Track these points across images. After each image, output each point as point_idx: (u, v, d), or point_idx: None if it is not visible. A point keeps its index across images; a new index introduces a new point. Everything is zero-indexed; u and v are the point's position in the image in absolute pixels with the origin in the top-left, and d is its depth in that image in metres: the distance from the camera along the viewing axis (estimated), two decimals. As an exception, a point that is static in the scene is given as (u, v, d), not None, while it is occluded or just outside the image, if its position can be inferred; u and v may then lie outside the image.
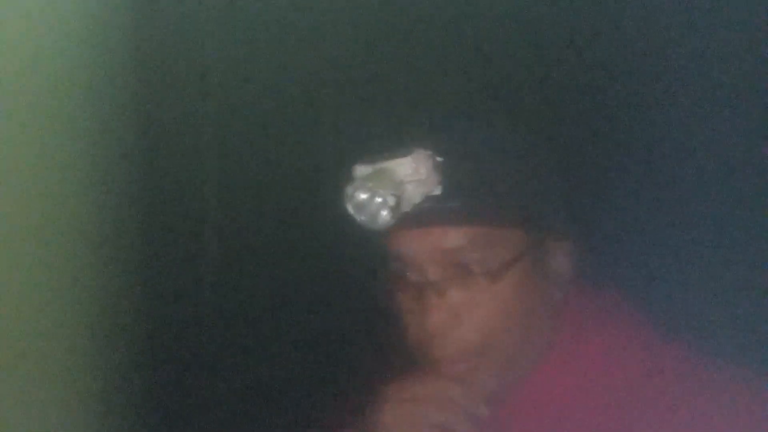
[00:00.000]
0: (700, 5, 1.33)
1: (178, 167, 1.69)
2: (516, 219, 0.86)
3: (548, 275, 0.89)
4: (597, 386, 0.85)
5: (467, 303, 0.85)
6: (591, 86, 1.49)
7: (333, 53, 1.56)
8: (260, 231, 1.77)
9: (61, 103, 1.13)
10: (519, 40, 1.49)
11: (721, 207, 1.34)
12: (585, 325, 0.90)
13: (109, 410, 1.22)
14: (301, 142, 1.60)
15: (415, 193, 0.83)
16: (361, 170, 0.84)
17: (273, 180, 1.71)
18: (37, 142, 1.09)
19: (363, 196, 0.82)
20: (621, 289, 0.94)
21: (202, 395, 1.76)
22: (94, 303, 1.20)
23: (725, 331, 1.16)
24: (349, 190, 0.84)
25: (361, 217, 0.84)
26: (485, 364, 0.86)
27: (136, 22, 1.37)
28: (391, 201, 0.82)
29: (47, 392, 1.09)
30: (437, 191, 0.83)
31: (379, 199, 0.82)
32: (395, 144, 0.84)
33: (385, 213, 0.82)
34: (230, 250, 1.80)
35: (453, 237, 0.84)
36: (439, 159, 0.83)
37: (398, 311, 0.88)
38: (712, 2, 1.31)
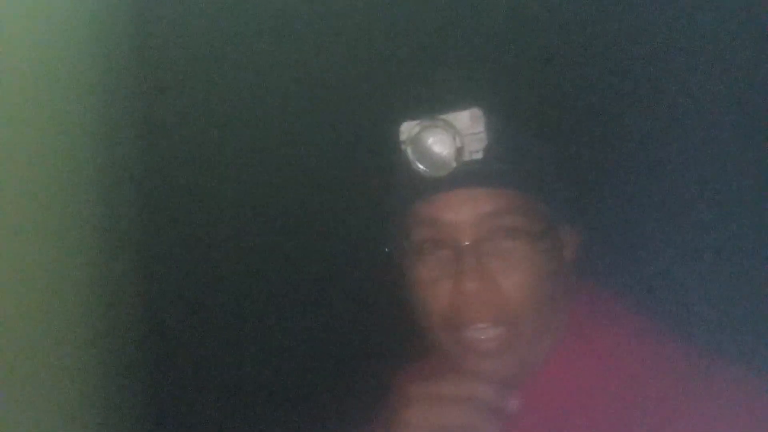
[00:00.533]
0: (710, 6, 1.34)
1: (196, 147, 1.68)
2: (546, 192, 0.88)
3: (561, 257, 0.90)
4: (600, 385, 0.85)
5: (504, 267, 0.85)
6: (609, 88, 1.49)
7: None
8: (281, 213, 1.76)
9: (63, 103, 1.13)
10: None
11: (723, 207, 1.34)
12: (589, 325, 0.90)
13: (109, 411, 1.22)
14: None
15: (472, 146, 0.84)
16: (421, 121, 0.85)
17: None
18: (39, 142, 1.09)
19: (427, 141, 0.84)
20: (625, 290, 0.94)
21: (210, 394, 1.75)
22: (96, 303, 1.20)
23: (727, 331, 1.16)
24: (410, 137, 0.85)
25: (421, 165, 0.85)
26: (514, 336, 0.86)
27: (140, 21, 1.37)
28: (453, 147, 0.83)
29: (47, 392, 1.09)
30: (489, 148, 0.84)
31: (442, 145, 0.84)
32: (452, 100, 0.85)
33: (447, 157, 0.84)
34: (247, 229, 1.79)
35: (497, 199, 0.85)
36: (490, 119, 0.84)
37: (429, 282, 0.87)
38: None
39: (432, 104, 0.86)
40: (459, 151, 0.83)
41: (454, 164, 0.84)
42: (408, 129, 0.85)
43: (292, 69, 1.61)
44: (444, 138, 0.83)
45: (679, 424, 0.79)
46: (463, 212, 0.85)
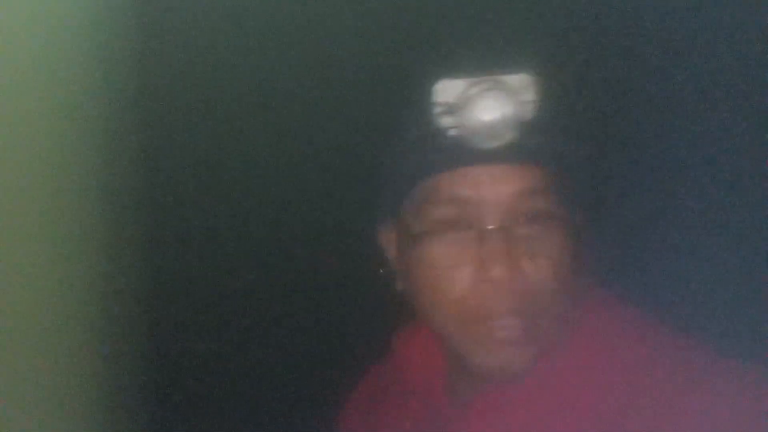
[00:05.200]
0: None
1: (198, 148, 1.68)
2: (575, 172, 0.81)
3: (578, 245, 0.82)
4: (600, 378, 0.81)
5: (530, 254, 0.77)
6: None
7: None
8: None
9: (63, 103, 1.12)
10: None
11: (725, 204, 1.33)
12: (593, 319, 0.85)
13: (110, 411, 1.21)
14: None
15: (524, 112, 0.75)
16: (471, 80, 0.74)
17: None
18: (39, 142, 1.08)
19: (478, 104, 0.73)
20: (627, 286, 0.92)
21: (211, 395, 1.75)
22: (96, 304, 1.19)
23: (731, 330, 1.15)
24: (457, 98, 0.74)
25: (466, 132, 0.75)
26: (533, 327, 0.78)
27: (141, 22, 1.36)
28: (509, 114, 0.74)
29: (48, 393, 1.08)
30: (536, 121, 0.75)
31: (494, 111, 0.73)
32: (497, 61, 0.77)
33: (500, 125, 0.74)
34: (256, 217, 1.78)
35: (529, 177, 0.77)
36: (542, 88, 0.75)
37: (445, 267, 0.78)
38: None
39: (474, 63, 0.76)
40: (514, 120, 0.74)
41: (506, 135, 0.74)
42: (449, 89, 0.75)
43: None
44: (498, 102, 0.73)
45: (680, 421, 0.77)
46: (491, 191, 0.76)
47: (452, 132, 0.75)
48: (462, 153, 0.76)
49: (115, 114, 1.27)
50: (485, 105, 0.73)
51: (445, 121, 0.75)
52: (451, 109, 0.75)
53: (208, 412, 1.71)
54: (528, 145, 0.76)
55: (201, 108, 1.66)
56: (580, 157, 0.82)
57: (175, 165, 1.65)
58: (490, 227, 0.76)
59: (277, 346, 1.79)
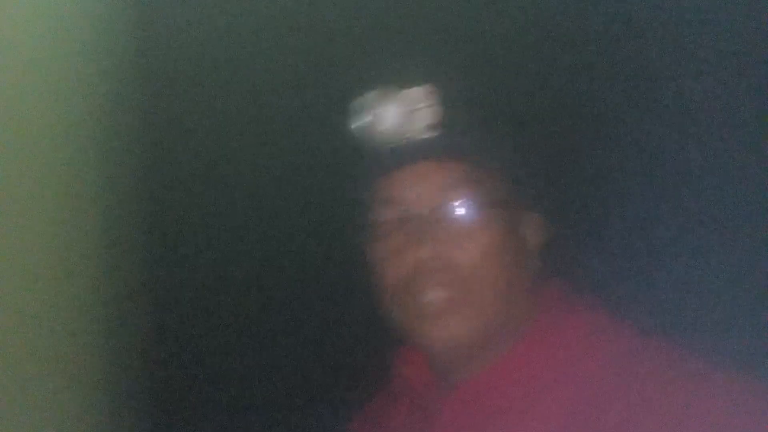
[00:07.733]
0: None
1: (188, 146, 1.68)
2: (503, 169, 0.92)
3: (521, 240, 0.94)
4: (561, 377, 0.88)
5: (456, 235, 0.89)
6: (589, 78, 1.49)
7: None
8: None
9: (63, 103, 1.12)
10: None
11: (703, 202, 1.35)
12: (556, 318, 0.93)
13: (111, 412, 1.22)
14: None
15: (426, 119, 0.89)
16: (376, 93, 0.90)
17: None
18: (40, 142, 1.09)
19: (377, 112, 0.89)
20: (598, 287, 0.97)
21: (212, 396, 1.75)
22: (98, 306, 1.20)
23: (700, 326, 1.18)
24: (360, 110, 0.90)
25: (373, 132, 0.89)
26: (461, 300, 0.89)
27: (140, 21, 1.37)
28: (406, 116, 0.88)
29: (49, 394, 1.09)
30: (441, 123, 0.89)
31: (395, 113, 0.88)
32: (404, 78, 0.90)
33: (397, 126, 0.88)
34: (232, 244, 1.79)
35: (449, 171, 0.90)
36: (442, 95, 0.89)
37: (387, 256, 0.91)
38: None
39: (386, 80, 0.91)
40: (410, 121, 0.88)
41: (405, 133, 0.88)
42: (358, 104, 0.90)
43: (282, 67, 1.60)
44: (394, 108, 0.88)
45: (642, 421, 0.81)
46: (417, 187, 0.90)
47: (377, 143, 0.90)
48: (386, 160, 0.90)
49: (116, 114, 1.28)
50: (395, 116, 0.89)
51: (368, 134, 0.91)
52: (370, 125, 0.90)
53: (209, 415, 1.72)
54: (440, 143, 0.89)
55: (201, 109, 1.66)
56: (498, 151, 0.93)
57: (176, 165, 1.63)
58: (417, 216, 0.90)
59: (286, 351, 1.78)
